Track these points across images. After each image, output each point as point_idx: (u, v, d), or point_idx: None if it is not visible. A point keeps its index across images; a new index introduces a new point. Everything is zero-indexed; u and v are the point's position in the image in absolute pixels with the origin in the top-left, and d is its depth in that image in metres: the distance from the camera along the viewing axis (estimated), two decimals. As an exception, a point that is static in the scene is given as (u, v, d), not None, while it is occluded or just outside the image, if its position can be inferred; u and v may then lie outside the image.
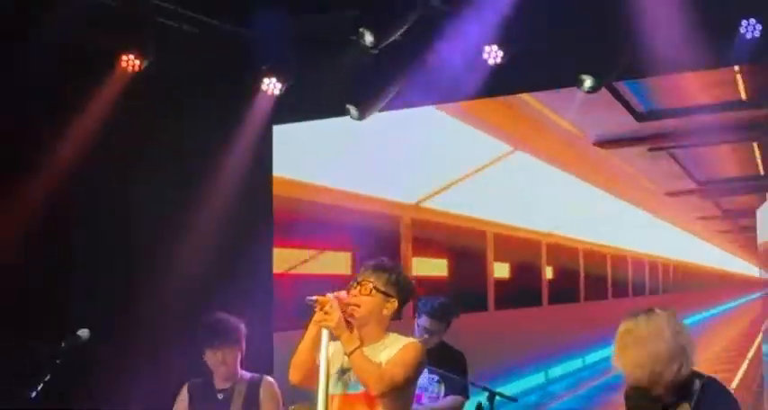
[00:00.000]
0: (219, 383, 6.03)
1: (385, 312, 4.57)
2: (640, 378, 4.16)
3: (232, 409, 6.09)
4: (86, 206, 8.07)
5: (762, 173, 7.83)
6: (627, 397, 4.41)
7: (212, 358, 5.95)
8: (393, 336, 4.62)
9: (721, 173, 8.07)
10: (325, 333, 4.41)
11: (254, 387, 6.11)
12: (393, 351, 4.55)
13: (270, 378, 6.17)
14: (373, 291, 4.53)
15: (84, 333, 5.58)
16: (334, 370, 4.63)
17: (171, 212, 8.05)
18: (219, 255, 8.11)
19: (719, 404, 4.32)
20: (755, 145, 7.81)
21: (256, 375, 6.17)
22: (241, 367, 6.15)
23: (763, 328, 7.24)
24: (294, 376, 4.69)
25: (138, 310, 7.51)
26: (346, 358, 4.52)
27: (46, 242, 7.56)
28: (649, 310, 4.28)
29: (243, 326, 6.15)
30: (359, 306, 4.57)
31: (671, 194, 8.06)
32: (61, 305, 7.51)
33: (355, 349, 4.43)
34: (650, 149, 8.11)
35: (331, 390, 4.61)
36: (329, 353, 4.66)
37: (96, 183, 7.99)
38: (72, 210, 7.99)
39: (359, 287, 4.63)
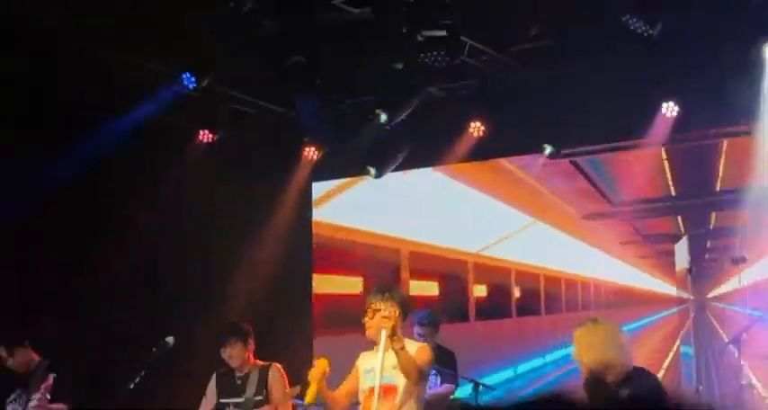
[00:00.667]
0: (237, 370, 6.63)
1: (392, 327, 5.11)
2: (598, 370, 4.99)
3: (247, 389, 6.68)
4: (170, 247, 8.89)
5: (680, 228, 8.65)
6: (586, 384, 5.06)
7: (223, 355, 6.59)
8: (407, 341, 5.21)
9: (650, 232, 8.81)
10: (383, 333, 5.05)
11: (264, 371, 6.67)
12: (411, 351, 5.14)
13: (277, 365, 6.72)
14: (374, 313, 5.20)
15: (170, 339, 6.49)
16: (367, 368, 5.32)
17: (237, 248, 8.88)
18: (273, 282, 8.83)
19: (648, 383, 5.09)
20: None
21: (267, 362, 6.71)
22: (256, 357, 6.62)
23: (680, 334, 8.01)
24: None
25: (209, 326, 7.95)
26: (379, 359, 5.11)
27: (143, 275, 8.50)
28: (596, 319, 5.03)
29: (244, 327, 6.69)
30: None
31: (623, 243, 8.76)
32: (151, 320, 8.21)
33: (402, 347, 4.96)
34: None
35: (370, 383, 5.24)
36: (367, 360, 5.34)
37: (178, 224, 8.84)
38: (158, 251, 8.77)
39: (370, 313, 5.24)
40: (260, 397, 6.59)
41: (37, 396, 6.86)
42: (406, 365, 5.03)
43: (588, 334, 5.02)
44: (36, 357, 7.04)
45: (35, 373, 7.00)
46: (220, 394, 6.71)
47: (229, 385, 6.68)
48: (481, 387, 7.24)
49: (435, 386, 6.89)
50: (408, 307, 5.41)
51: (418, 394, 5.24)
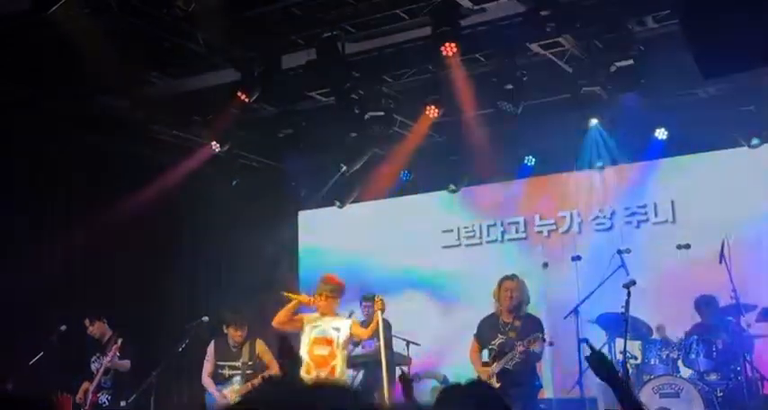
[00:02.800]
0: (233, 341, 7.19)
1: (334, 305, 6.15)
2: (516, 306, 6.06)
3: (242, 355, 7.17)
4: (206, 250, 9.65)
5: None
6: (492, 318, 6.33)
7: (228, 330, 7.26)
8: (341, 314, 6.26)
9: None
10: (379, 314, 5.92)
11: (253, 342, 7.24)
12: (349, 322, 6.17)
13: (260, 340, 7.20)
14: (324, 297, 6.15)
15: (205, 319, 7.43)
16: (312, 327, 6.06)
17: (247, 253, 9.83)
18: (270, 274, 9.57)
19: (535, 319, 6.35)
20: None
21: (254, 337, 7.20)
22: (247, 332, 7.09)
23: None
24: (277, 322, 6.03)
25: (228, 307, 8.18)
26: (313, 325, 5.95)
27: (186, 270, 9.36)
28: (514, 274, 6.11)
29: (240, 316, 7.10)
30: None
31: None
32: (194, 309, 8.78)
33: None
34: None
35: (311, 337, 6.00)
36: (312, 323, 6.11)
37: (212, 236, 9.67)
38: (199, 254, 9.65)
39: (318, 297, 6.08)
40: (251, 362, 7.12)
41: (109, 355, 7.48)
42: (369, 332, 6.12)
43: (521, 283, 6.37)
44: (109, 328, 7.82)
45: (109, 340, 7.70)
46: (218, 358, 7.25)
47: (227, 351, 7.20)
48: (410, 343, 8.15)
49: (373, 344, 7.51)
50: (337, 291, 6.17)
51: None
